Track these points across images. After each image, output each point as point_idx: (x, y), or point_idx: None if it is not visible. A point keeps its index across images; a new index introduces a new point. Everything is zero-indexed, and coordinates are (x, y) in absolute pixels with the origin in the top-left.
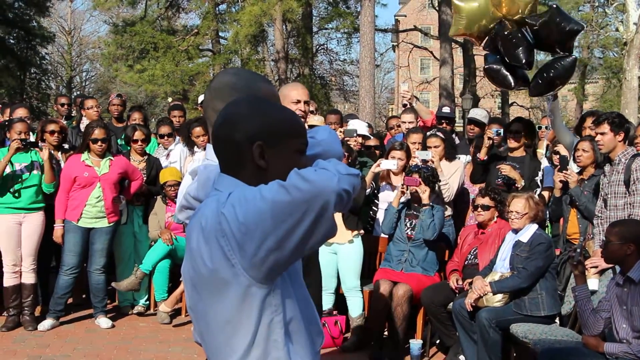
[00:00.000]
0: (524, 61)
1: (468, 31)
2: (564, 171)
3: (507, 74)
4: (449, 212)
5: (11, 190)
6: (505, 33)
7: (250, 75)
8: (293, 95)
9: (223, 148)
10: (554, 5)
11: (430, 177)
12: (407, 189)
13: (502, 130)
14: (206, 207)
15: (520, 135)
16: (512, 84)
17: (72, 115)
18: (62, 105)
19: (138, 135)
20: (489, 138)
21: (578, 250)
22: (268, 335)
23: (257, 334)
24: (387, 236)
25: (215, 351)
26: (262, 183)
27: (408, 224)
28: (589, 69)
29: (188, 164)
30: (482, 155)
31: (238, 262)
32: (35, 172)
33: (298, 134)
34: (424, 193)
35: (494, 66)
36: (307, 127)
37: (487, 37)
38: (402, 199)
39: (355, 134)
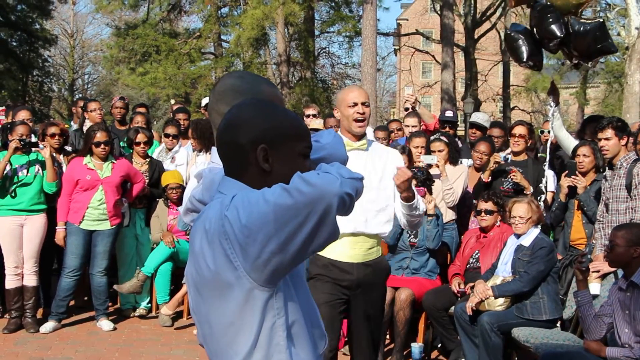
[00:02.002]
0: (560, 34)
1: None
2: (572, 176)
3: (523, 47)
4: (452, 216)
5: (9, 190)
6: (544, 7)
7: (255, 78)
8: (349, 98)
9: (227, 151)
10: (601, 20)
11: (426, 180)
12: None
13: (510, 157)
14: (210, 209)
15: (524, 138)
16: (524, 58)
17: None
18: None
19: (140, 137)
20: (496, 162)
21: (589, 256)
22: (270, 338)
23: (259, 337)
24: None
25: (218, 354)
26: (266, 186)
27: (409, 231)
28: (590, 73)
29: (191, 167)
30: (486, 177)
31: (241, 265)
32: (35, 173)
33: (302, 138)
34: (430, 203)
35: (514, 35)
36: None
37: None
38: None
39: None
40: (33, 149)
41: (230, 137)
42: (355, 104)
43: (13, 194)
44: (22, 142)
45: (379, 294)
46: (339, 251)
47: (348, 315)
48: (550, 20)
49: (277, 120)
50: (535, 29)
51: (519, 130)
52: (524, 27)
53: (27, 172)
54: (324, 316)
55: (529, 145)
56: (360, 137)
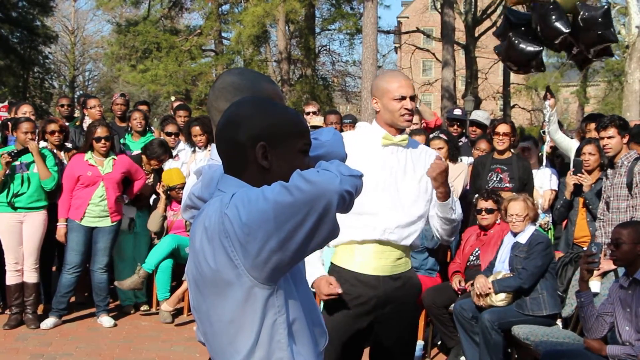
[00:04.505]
0: (566, 30)
1: None
2: (578, 174)
3: (524, 46)
4: None
5: (10, 194)
6: (548, 6)
7: (254, 76)
8: (394, 91)
9: (226, 149)
10: (606, 6)
11: None
12: None
13: None
14: (210, 207)
15: (508, 136)
16: (536, 50)
17: (74, 116)
18: (62, 106)
19: (164, 157)
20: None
21: (600, 255)
22: (271, 335)
23: (260, 335)
24: None
25: (219, 351)
26: (266, 184)
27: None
28: (590, 72)
29: (191, 164)
30: None
31: (241, 263)
32: (34, 170)
33: (301, 135)
34: None
35: (515, 40)
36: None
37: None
38: None
39: None
40: (26, 151)
41: (230, 134)
42: (404, 98)
43: (13, 200)
44: (10, 155)
45: (411, 316)
46: (361, 262)
47: (372, 344)
48: (554, 17)
49: (277, 117)
50: (539, 29)
51: (503, 128)
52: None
53: (27, 169)
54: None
55: (512, 142)
56: (401, 131)
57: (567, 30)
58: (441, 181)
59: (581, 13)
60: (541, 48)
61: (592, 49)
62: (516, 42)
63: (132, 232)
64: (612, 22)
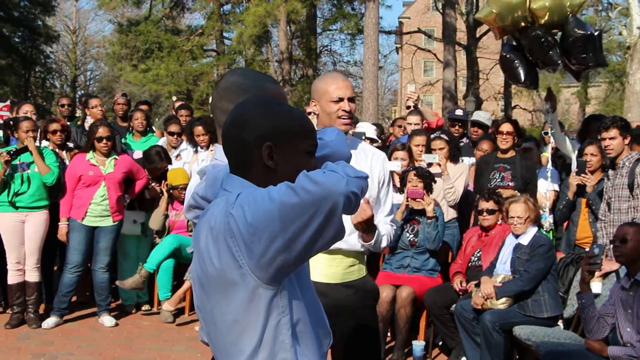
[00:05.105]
0: (559, 61)
1: (496, 22)
2: (582, 175)
3: (520, 69)
4: (453, 214)
5: (10, 193)
6: (538, 34)
7: (258, 76)
8: (332, 92)
9: (232, 148)
10: (590, 32)
11: (427, 173)
12: (409, 200)
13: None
14: (215, 207)
15: (512, 135)
16: (522, 79)
17: (75, 115)
18: (63, 106)
19: (162, 165)
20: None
21: (602, 256)
22: (275, 336)
23: (264, 335)
24: None
25: (223, 351)
26: (271, 184)
27: (410, 231)
28: (591, 73)
29: (193, 164)
30: None
31: (245, 263)
32: (35, 169)
33: (307, 136)
34: (429, 205)
35: (510, 56)
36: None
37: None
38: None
39: (363, 137)
40: (25, 150)
41: (236, 134)
42: (341, 99)
43: (13, 198)
44: (9, 154)
45: (369, 322)
46: (311, 270)
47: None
48: (547, 46)
49: (283, 118)
50: (529, 54)
51: (506, 127)
52: (513, 46)
53: (28, 168)
54: None
55: (516, 141)
56: None
57: (560, 61)
58: (362, 229)
59: (569, 30)
60: (527, 75)
61: (576, 66)
62: (509, 56)
63: (147, 237)
64: (594, 46)
